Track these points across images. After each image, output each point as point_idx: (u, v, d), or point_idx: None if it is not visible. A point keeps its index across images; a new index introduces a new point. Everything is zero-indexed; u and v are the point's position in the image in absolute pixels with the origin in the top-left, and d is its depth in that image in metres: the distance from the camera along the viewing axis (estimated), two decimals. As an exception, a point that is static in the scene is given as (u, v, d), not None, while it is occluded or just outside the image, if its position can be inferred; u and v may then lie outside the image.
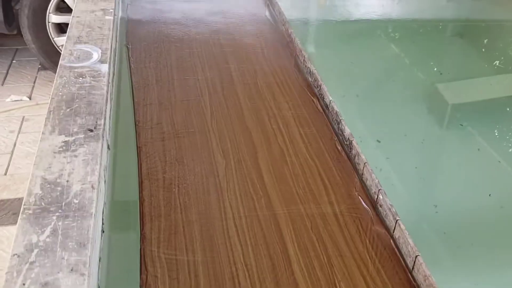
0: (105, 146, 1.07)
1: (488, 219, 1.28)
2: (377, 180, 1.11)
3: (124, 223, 1.05)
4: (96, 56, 1.31)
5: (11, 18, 3.53)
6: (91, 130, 1.07)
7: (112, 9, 1.55)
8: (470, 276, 1.13)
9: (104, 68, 1.27)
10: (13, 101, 3.71)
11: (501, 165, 1.47)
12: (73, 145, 1.02)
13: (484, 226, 1.26)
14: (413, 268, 0.95)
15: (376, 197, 1.10)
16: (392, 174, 1.36)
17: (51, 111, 1.11)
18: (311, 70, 1.54)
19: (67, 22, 3.59)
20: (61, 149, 1.01)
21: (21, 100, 3.71)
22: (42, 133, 1.05)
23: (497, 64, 2.15)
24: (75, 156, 1.00)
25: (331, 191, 1.14)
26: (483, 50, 2.29)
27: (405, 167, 1.45)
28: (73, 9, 1.52)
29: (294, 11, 2.03)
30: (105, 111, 1.14)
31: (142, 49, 1.67)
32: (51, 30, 3.53)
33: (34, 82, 3.92)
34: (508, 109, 1.86)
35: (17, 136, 3.36)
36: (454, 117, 1.78)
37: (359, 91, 1.78)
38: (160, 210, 1.06)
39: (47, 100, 3.86)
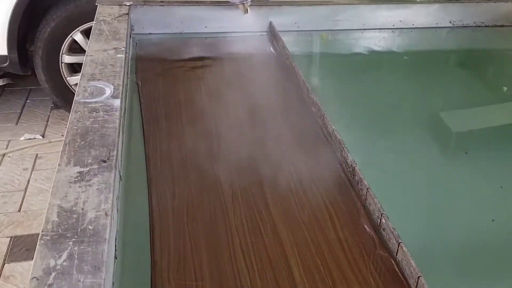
0: (117, 176, 1.12)
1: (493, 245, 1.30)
2: (379, 205, 1.14)
3: (136, 250, 1.09)
4: (108, 91, 1.38)
5: (25, 59, 3.66)
6: (105, 161, 1.12)
7: (123, 47, 1.63)
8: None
9: (117, 103, 1.34)
10: (26, 139, 3.80)
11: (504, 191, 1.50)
12: (88, 175, 1.08)
13: (488, 252, 1.28)
14: (415, 288, 0.98)
15: (379, 221, 1.14)
16: (396, 203, 1.39)
17: (66, 144, 1.17)
18: (314, 101, 1.60)
19: (80, 62, 3.72)
20: (76, 179, 1.07)
21: (34, 138, 3.80)
22: (59, 164, 1.11)
23: (500, 92, 2.20)
24: (90, 185, 1.05)
25: (335, 217, 1.18)
26: (485, 79, 2.34)
27: (409, 195, 1.48)
28: (87, 49, 1.60)
29: (297, 46, 2.11)
30: (117, 143, 1.20)
31: (152, 85, 1.75)
32: (64, 70, 3.65)
33: (47, 121, 4.02)
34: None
35: (31, 174, 3.44)
36: (458, 146, 1.82)
37: (362, 121, 1.83)
38: (169, 238, 1.11)
39: (60, 138, 3.95)
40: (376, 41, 2.39)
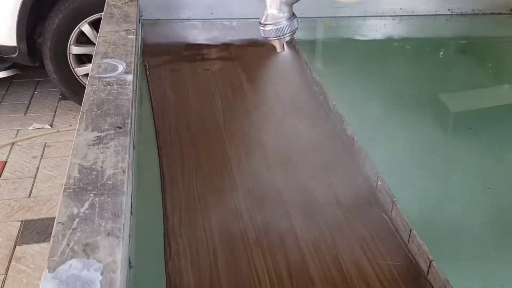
0: (131, 141, 1.21)
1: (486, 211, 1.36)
2: (376, 169, 1.22)
3: (149, 208, 1.17)
4: (121, 68, 1.46)
5: (34, 51, 3.73)
6: (120, 128, 1.20)
7: (134, 29, 1.72)
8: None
9: (129, 78, 1.42)
10: (35, 129, 3.88)
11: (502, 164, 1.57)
12: (105, 139, 1.16)
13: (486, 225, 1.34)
14: (408, 241, 1.05)
15: (376, 183, 1.22)
16: (395, 170, 1.44)
17: (83, 112, 1.25)
18: (317, 80, 1.68)
19: (87, 53, 3.79)
20: (94, 142, 1.15)
21: (43, 127, 3.88)
22: (77, 130, 1.19)
23: (500, 77, 2.26)
24: (107, 147, 1.13)
25: (334, 181, 1.26)
26: (486, 65, 2.40)
27: (409, 163, 1.54)
28: (99, 30, 1.68)
29: (301, 31, 2.17)
30: (131, 112, 1.28)
31: (159, 67, 1.83)
32: (71, 61, 3.73)
33: (55, 111, 4.11)
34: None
35: (40, 161, 3.52)
36: (462, 122, 1.88)
37: (363, 102, 1.90)
38: (180, 198, 1.19)
39: (68, 128, 4.02)
40: (377, 28, 2.46)
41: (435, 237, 1.15)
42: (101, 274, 0.82)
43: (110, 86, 1.38)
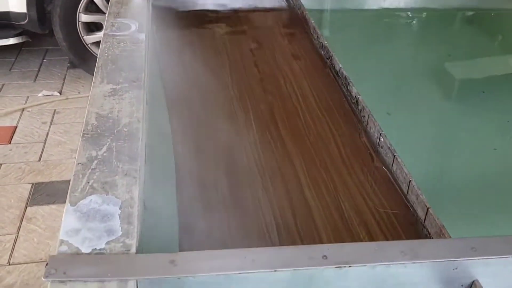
0: (145, 95, 1.26)
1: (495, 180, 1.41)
2: (379, 126, 1.28)
3: (161, 156, 1.23)
4: (134, 27, 1.51)
5: (44, 18, 3.76)
6: (134, 81, 1.26)
7: (145, -6, 1.76)
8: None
9: (142, 36, 1.47)
10: (44, 95, 3.94)
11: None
12: (120, 91, 1.22)
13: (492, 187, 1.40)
14: (407, 191, 1.11)
15: (378, 140, 1.27)
16: (401, 143, 1.49)
17: (99, 67, 1.31)
18: (323, 44, 1.72)
19: (96, 21, 3.82)
20: (110, 93, 1.20)
21: (52, 95, 3.94)
22: (93, 82, 1.25)
23: (507, 47, 2.29)
24: (122, 99, 1.19)
25: (338, 138, 1.31)
26: (494, 35, 2.43)
27: (416, 136, 1.60)
28: (112, -6, 1.72)
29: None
30: (145, 68, 1.33)
31: (167, 29, 1.87)
32: (80, 29, 3.76)
33: (64, 79, 4.16)
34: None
35: (49, 127, 3.59)
36: (475, 86, 1.92)
37: (371, 69, 1.94)
38: (191, 154, 1.25)
39: (77, 95, 4.07)
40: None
41: (436, 190, 1.21)
42: (120, 208, 0.88)
43: (124, 43, 1.43)
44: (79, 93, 3.99)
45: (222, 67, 1.63)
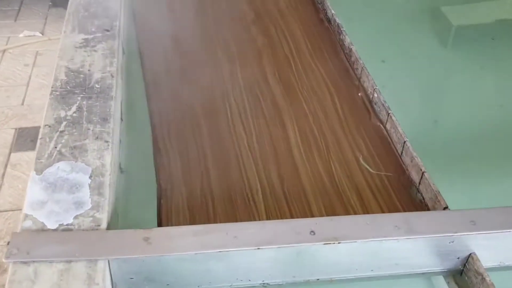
0: (120, 45, 1.16)
1: (489, 134, 1.34)
2: (373, 81, 1.19)
3: (137, 116, 1.15)
4: (110, -32, 1.38)
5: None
6: (108, 30, 1.15)
7: None
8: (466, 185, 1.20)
9: (118, -22, 1.34)
10: (26, 36, 3.77)
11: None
12: (92, 42, 1.11)
13: (483, 140, 1.33)
14: (402, 153, 1.04)
15: (372, 96, 1.19)
16: (394, 93, 1.42)
17: (70, 13, 1.20)
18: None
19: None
20: (81, 45, 1.10)
21: (34, 35, 3.77)
22: (64, 31, 1.14)
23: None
24: (95, 51, 1.09)
25: (334, 92, 1.23)
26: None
27: (407, 85, 1.51)
28: None
29: None
30: (120, 15, 1.22)
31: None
32: (61, -36, 3.54)
33: (46, 19, 3.97)
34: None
35: (32, 69, 3.45)
36: (485, 32, 1.81)
37: (362, 13, 1.82)
38: (168, 108, 1.16)
39: (59, 36, 3.92)
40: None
41: (432, 151, 1.15)
42: (90, 177, 0.81)
43: (98, -14, 1.31)
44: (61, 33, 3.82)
45: (205, 12, 1.51)
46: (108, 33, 1.15)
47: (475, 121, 1.33)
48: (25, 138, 2.96)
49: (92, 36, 1.13)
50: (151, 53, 1.30)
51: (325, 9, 1.52)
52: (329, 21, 1.49)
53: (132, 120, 1.10)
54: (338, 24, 1.41)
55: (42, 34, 3.78)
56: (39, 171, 0.81)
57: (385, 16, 1.82)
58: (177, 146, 1.05)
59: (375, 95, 1.17)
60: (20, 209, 2.77)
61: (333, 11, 1.46)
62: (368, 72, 1.22)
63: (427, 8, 1.95)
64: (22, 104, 3.17)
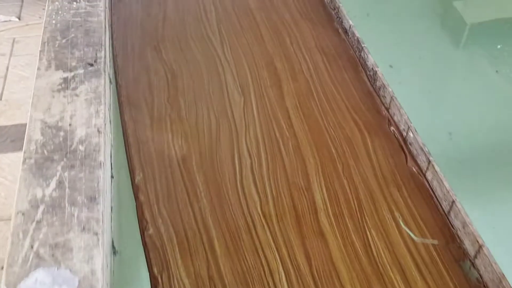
0: (107, 81, 0.97)
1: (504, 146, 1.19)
2: (406, 116, 1.01)
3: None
4: (90, -25, 1.17)
5: None
6: (91, 64, 0.95)
7: None
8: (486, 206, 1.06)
9: (101, -11, 1.13)
10: (1, 22, 3.50)
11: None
12: (73, 82, 0.92)
13: (499, 153, 1.18)
14: (449, 213, 0.88)
15: (406, 134, 1.01)
16: (405, 100, 1.26)
17: (45, 42, 0.99)
18: (328, -10, 1.40)
19: None
20: (60, 87, 0.91)
21: (9, 20, 3.50)
22: (38, 68, 0.94)
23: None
24: (76, 95, 0.89)
25: (362, 127, 1.04)
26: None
27: (419, 92, 1.35)
28: None
29: None
30: (105, 40, 1.02)
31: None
32: None
33: (22, 1, 3.69)
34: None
35: (9, 60, 3.20)
36: (472, 36, 1.66)
37: (370, 10, 1.63)
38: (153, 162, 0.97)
39: (38, 20, 3.65)
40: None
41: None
42: (77, 290, 0.63)
43: (77, 3, 1.10)
44: (39, 17, 3.55)
45: (205, 14, 1.30)
46: (91, 68, 0.95)
47: (492, 133, 1.18)
48: (5, 138, 2.74)
49: (72, 73, 0.93)
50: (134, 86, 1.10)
51: (340, 18, 1.32)
52: (345, 31, 1.29)
53: (123, 178, 0.92)
54: (357, 38, 1.22)
55: (19, 19, 3.51)
56: (11, 285, 0.63)
57: (392, 13, 1.64)
58: (169, 216, 0.86)
59: (410, 134, 1.00)
60: (4, 220, 2.59)
61: (351, 22, 1.26)
62: (399, 104, 1.04)
63: (437, 2, 1.76)
64: (0, 99, 2.95)
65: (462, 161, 1.17)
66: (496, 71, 1.44)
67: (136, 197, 0.88)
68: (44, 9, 3.95)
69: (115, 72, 1.10)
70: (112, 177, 0.89)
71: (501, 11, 1.78)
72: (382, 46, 1.41)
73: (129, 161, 0.93)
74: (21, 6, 3.73)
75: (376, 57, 1.21)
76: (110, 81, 1.06)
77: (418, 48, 1.51)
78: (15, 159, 2.72)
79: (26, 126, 2.74)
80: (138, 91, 1.07)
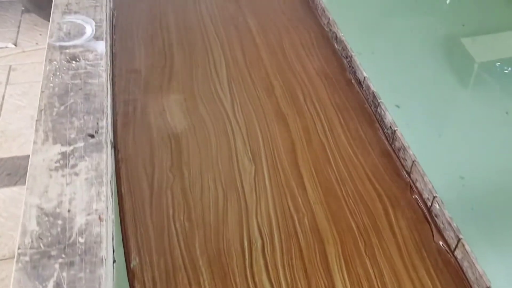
0: (109, 154, 0.89)
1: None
2: (430, 185, 0.94)
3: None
4: (89, 30, 1.10)
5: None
6: (92, 136, 0.88)
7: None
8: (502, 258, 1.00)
9: (101, 47, 1.07)
10: (-3, 48, 3.44)
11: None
12: (72, 157, 0.85)
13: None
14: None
15: (430, 204, 0.94)
16: (414, 143, 1.20)
17: (42, 110, 0.92)
18: (338, 37, 1.33)
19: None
20: (57, 164, 0.83)
21: (6, 47, 3.45)
22: (34, 142, 0.87)
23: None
24: (76, 174, 0.82)
25: (385, 199, 0.97)
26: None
27: (428, 135, 1.29)
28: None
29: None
30: (106, 106, 0.95)
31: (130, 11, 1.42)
32: (33, -32, 3.22)
33: (19, 27, 3.64)
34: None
35: (5, 88, 3.14)
36: (481, 76, 1.60)
37: (375, 47, 1.58)
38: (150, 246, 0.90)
39: (34, 47, 3.58)
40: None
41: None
42: None
43: (76, 62, 1.03)
44: (36, 43, 3.50)
45: (214, 67, 1.23)
46: (92, 140, 0.88)
47: (505, 176, 1.11)
48: (1, 172, 2.67)
49: (71, 147, 0.86)
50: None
51: (353, 68, 1.25)
52: (359, 83, 1.23)
53: (121, 260, 0.85)
54: (373, 92, 1.15)
55: (15, 46, 3.45)
56: None
57: (397, 50, 1.58)
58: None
59: (436, 205, 0.93)
60: (-1, 260, 2.45)
61: (365, 74, 1.20)
62: (423, 171, 0.97)
63: (444, 38, 1.71)
64: (-4, 130, 2.88)
65: (475, 207, 1.11)
66: (506, 113, 1.39)
67: (132, 286, 0.81)
68: (41, 34, 3.89)
69: (114, 135, 1.03)
70: (114, 261, 0.82)
71: (510, 49, 1.74)
72: (388, 85, 1.36)
73: (124, 243, 0.86)
74: (18, 32, 3.68)
75: (382, 96, 1.15)
76: (113, 147, 0.99)
77: (425, 87, 1.46)
78: (10, 194, 2.64)
79: (23, 159, 2.66)
80: (138, 159, 0.99)
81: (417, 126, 1.28)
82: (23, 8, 3.71)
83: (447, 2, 1.94)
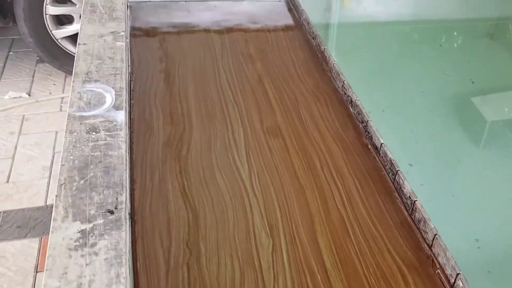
0: (128, 232, 0.89)
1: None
2: (453, 261, 0.93)
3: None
4: (109, 99, 1.12)
5: (6, 10, 3.30)
6: (112, 212, 0.88)
7: (123, 31, 1.34)
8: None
9: (120, 116, 1.08)
10: (11, 98, 3.51)
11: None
12: (92, 236, 0.84)
13: None
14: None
15: (453, 281, 0.92)
16: (428, 204, 1.19)
17: (62, 184, 0.92)
18: (353, 101, 1.34)
19: (66, 13, 3.35)
20: (77, 243, 0.83)
21: (20, 97, 3.51)
22: (53, 219, 0.86)
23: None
24: (95, 253, 0.81)
25: (405, 271, 0.95)
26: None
27: (442, 195, 1.28)
28: (79, 34, 1.31)
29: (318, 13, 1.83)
30: (126, 180, 0.95)
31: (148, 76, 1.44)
32: (49, 23, 3.30)
33: (33, 77, 3.71)
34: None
35: (18, 138, 3.18)
36: (493, 135, 1.61)
37: (385, 105, 1.59)
38: None
39: (48, 97, 3.63)
40: (396, 8, 2.11)
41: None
42: None
43: (96, 132, 1.04)
44: (50, 93, 3.56)
45: (226, 130, 1.24)
46: (112, 217, 0.87)
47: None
48: (11, 224, 2.67)
49: (91, 224, 0.86)
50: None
51: (369, 133, 1.26)
52: (376, 148, 1.23)
53: None
54: (390, 160, 1.15)
55: (29, 95, 3.51)
56: None
57: (408, 109, 1.59)
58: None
59: (460, 283, 0.91)
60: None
61: (382, 141, 1.20)
62: (445, 245, 0.96)
63: (454, 97, 1.73)
64: (7, 181, 2.89)
65: (492, 271, 1.09)
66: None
67: None
68: (55, 84, 3.96)
69: (131, 205, 1.03)
70: None
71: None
72: (399, 144, 1.36)
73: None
74: (32, 82, 3.75)
75: (394, 155, 1.15)
76: (131, 218, 0.98)
77: (437, 146, 1.46)
78: (20, 247, 2.63)
79: (33, 210, 2.65)
80: (154, 233, 0.99)
81: (430, 185, 1.28)
82: (37, 57, 3.80)
83: (456, 57, 1.97)
